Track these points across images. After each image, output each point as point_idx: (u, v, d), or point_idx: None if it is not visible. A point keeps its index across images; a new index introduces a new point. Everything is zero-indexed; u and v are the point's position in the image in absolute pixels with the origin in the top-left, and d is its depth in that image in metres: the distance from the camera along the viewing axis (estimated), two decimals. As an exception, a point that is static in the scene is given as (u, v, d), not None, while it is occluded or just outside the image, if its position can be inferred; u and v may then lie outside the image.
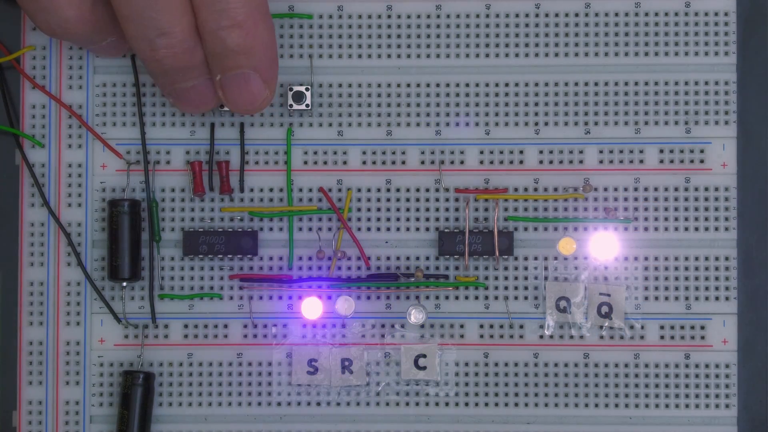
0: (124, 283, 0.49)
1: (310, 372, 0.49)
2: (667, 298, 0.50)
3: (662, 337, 0.50)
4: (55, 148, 0.50)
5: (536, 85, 0.50)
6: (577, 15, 0.50)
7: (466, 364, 0.50)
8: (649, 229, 0.50)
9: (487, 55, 0.50)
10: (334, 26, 0.50)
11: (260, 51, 0.46)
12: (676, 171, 0.50)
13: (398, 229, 0.50)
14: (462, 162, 0.50)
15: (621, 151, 0.50)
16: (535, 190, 0.50)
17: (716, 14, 0.50)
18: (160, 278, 0.50)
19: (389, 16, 0.50)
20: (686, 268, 0.50)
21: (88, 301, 0.50)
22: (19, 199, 0.50)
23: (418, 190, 0.50)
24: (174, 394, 0.50)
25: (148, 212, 0.50)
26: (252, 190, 0.50)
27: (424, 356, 0.49)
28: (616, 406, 0.50)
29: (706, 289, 0.50)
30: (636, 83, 0.50)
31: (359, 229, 0.50)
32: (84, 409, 0.50)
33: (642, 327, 0.50)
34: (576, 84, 0.50)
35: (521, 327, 0.50)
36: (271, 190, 0.50)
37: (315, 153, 0.50)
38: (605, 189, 0.50)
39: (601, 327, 0.50)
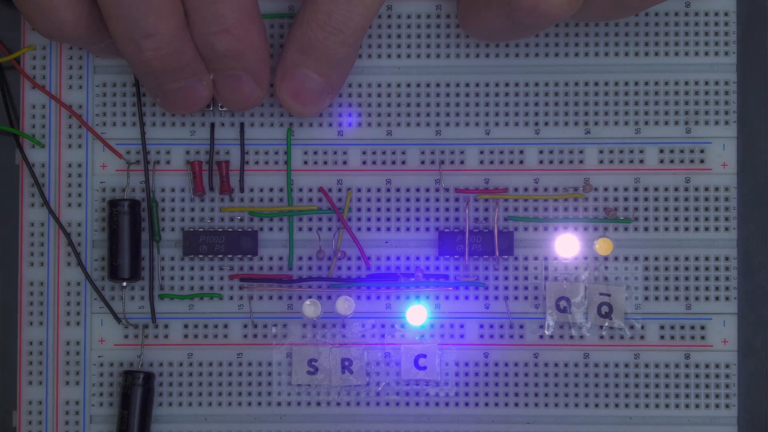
0: (124, 283, 0.49)
1: (310, 372, 0.49)
2: (667, 298, 0.50)
3: (662, 337, 0.50)
4: (55, 148, 0.50)
5: (536, 85, 0.50)
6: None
7: (466, 364, 0.50)
8: (649, 229, 0.50)
9: (487, 55, 0.50)
10: (334, 26, 0.50)
11: (251, 54, 0.46)
12: (676, 171, 0.50)
13: (398, 229, 0.50)
14: (462, 162, 0.50)
15: (621, 151, 0.50)
16: (535, 190, 0.50)
17: (716, 14, 0.50)
18: (160, 278, 0.50)
19: (389, 16, 0.50)
20: (686, 268, 0.50)
21: (88, 301, 0.50)
22: (19, 199, 0.50)
23: (418, 190, 0.50)
24: (174, 394, 0.50)
25: (148, 212, 0.50)
26: (252, 190, 0.50)
27: (424, 356, 0.49)
28: (616, 406, 0.50)
29: (706, 289, 0.50)
30: (636, 83, 0.50)
31: (359, 229, 0.50)
32: (84, 409, 0.50)
33: (642, 327, 0.50)
34: (576, 84, 0.50)
35: (521, 327, 0.50)
36: (271, 190, 0.50)
37: (315, 153, 0.50)
38: (605, 189, 0.50)
39: (601, 327, 0.50)
